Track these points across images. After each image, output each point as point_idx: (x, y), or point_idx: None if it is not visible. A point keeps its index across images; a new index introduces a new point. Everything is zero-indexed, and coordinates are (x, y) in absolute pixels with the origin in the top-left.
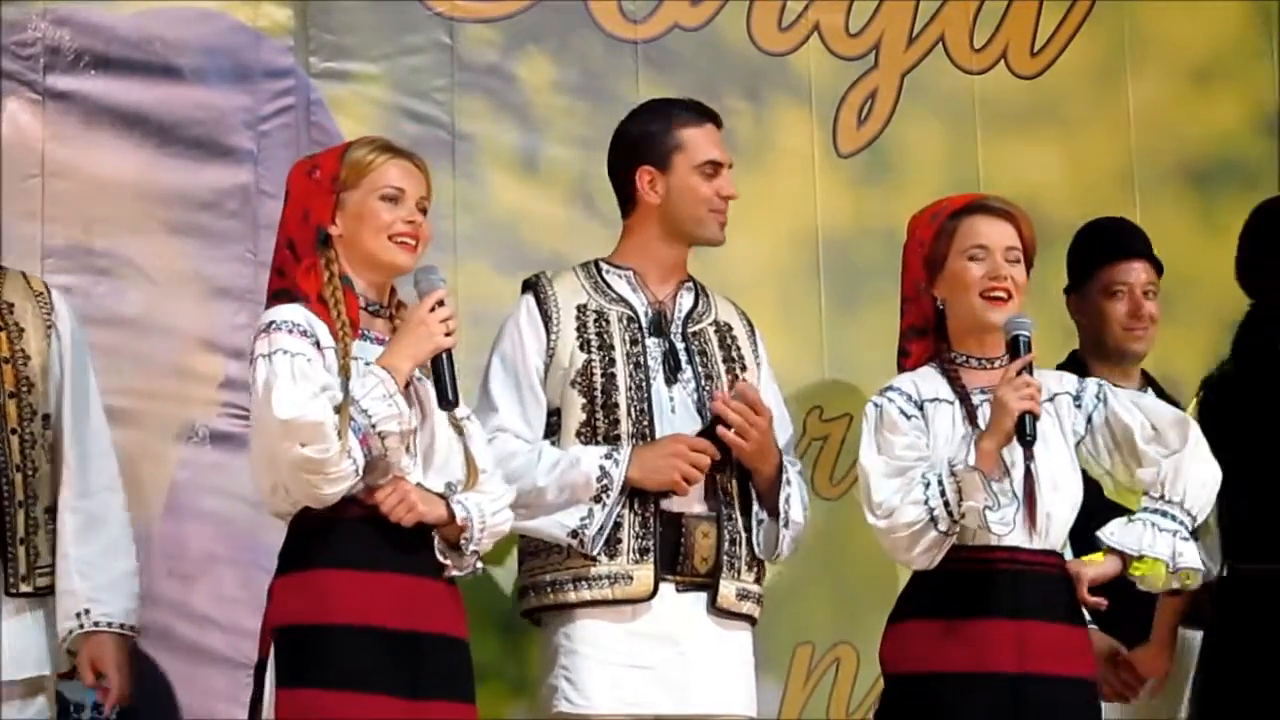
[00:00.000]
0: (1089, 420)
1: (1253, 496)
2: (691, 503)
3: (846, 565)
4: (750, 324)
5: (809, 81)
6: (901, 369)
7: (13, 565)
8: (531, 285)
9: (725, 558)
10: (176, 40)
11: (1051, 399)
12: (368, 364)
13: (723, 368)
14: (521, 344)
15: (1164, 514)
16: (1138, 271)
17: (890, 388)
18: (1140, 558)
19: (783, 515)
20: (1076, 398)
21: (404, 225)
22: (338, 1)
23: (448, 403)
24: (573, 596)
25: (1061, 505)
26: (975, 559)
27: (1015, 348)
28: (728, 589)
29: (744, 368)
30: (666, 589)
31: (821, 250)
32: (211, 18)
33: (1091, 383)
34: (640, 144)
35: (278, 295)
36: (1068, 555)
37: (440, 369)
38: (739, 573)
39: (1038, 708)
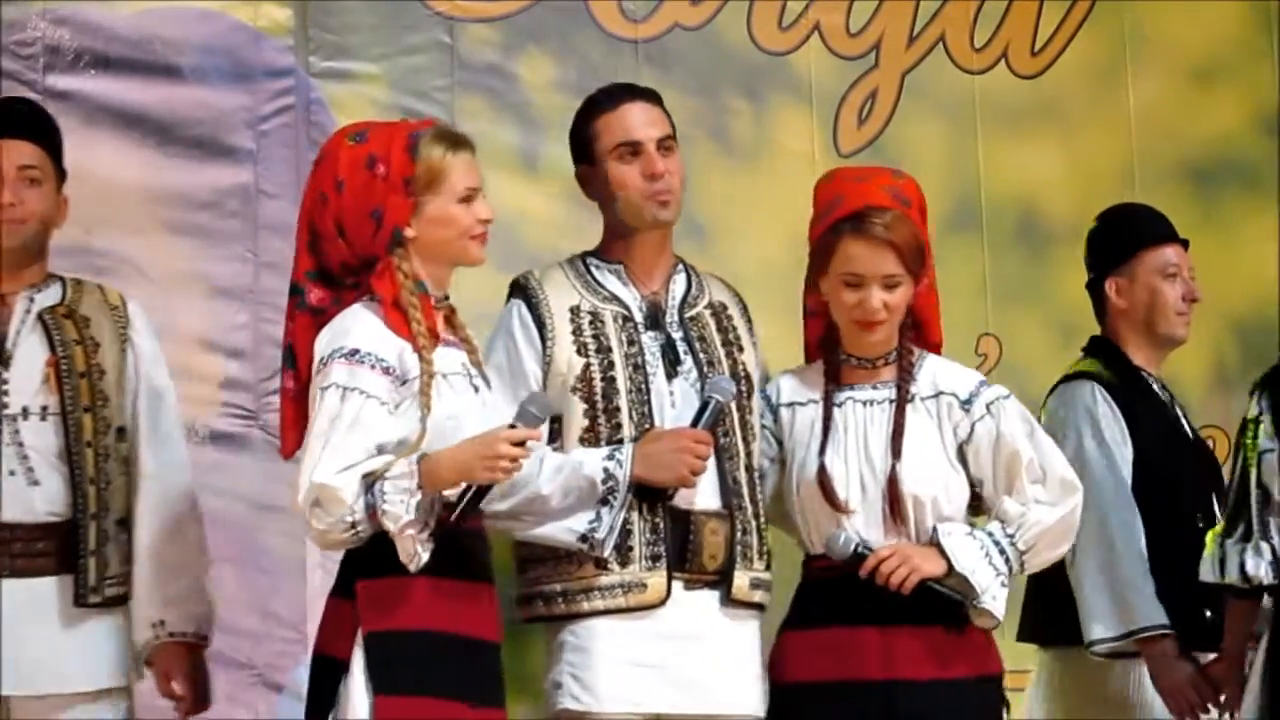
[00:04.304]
0: (972, 428)
1: None
2: (700, 497)
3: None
4: (742, 301)
5: (809, 81)
6: (807, 326)
7: (83, 577)
8: (521, 288)
9: (739, 548)
10: (176, 40)
11: (936, 395)
12: (445, 376)
13: (722, 352)
14: (517, 352)
15: (1002, 552)
16: (1183, 255)
17: (763, 391)
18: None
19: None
20: (965, 402)
21: (480, 226)
22: (338, 1)
23: (460, 517)
24: (585, 607)
25: (925, 506)
26: (835, 569)
27: (855, 562)
28: (741, 579)
29: (741, 348)
30: (675, 586)
31: None
32: (211, 17)
33: (989, 393)
34: (571, 144)
35: (314, 277)
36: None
37: (474, 490)
38: (751, 562)
39: (909, 715)
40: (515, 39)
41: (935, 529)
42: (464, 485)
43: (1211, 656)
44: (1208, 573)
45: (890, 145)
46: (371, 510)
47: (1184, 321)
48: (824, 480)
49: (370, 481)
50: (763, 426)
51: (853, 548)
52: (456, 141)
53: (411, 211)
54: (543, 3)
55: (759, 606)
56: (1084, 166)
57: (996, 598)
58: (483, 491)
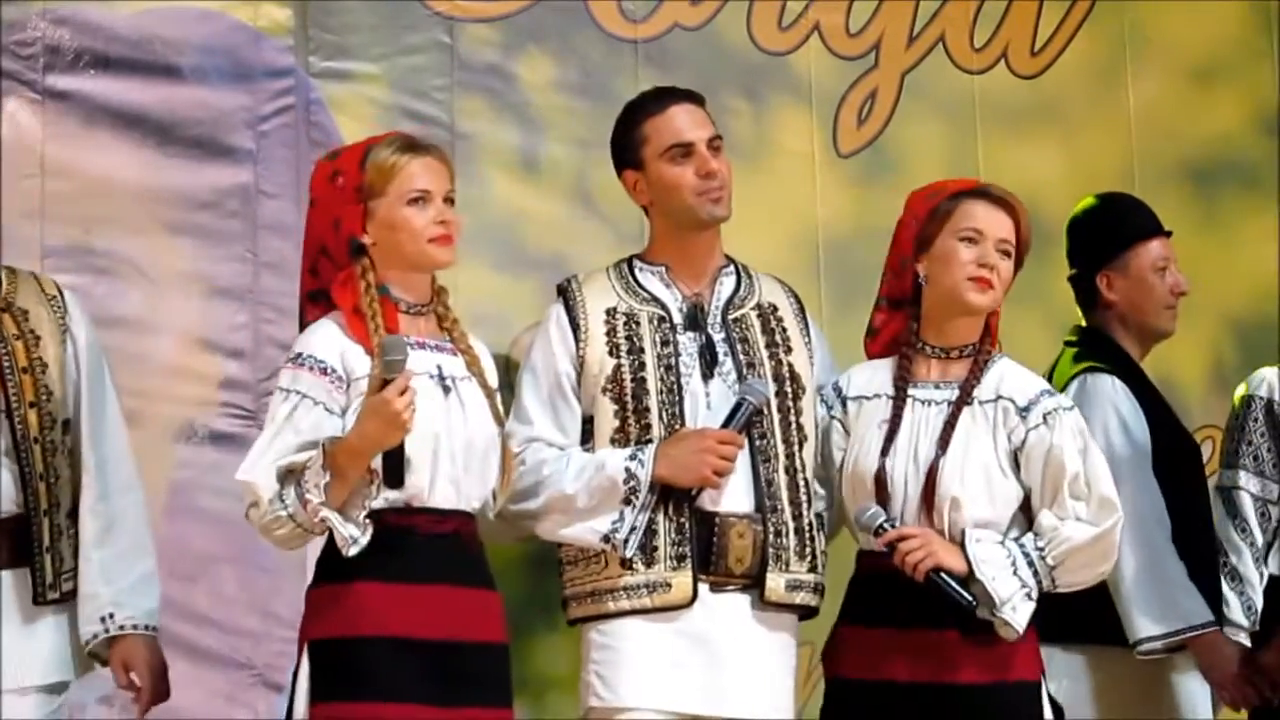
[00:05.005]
0: (1026, 436)
1: None
2: (729, 499)
3: (846, 566)
4: (799, 301)
5: (809, 81)
6: (867, 349)
7: (40, 574)
8: (562, 291)
9: (771, 550)
10: (176, 40)
11: (995, 400)
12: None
13: (765, 354)
14: (551, 353)
15: (1030, 564)
16: (1170, 247)
17: (834, 382)
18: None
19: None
20: (1023, 410)
21: (437, 228)
22: (338, 1)
23: (397, 482)
24: (611, 607)
25: (961, 509)
26: (881, 565)
27: (877, 535)
28: (775, 582)
29: (789, 349)
30: (702, 588)
31: (821, 250)
32: (211, 17)
33: (1049, 402)
34: (615, 149)
35: (314, 296)
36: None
37: (394, 451)
38: (787, 565)
39: (946, 719)
40: (515, 39)
41: (965, 532)
42: (382, 455)
43: None
44: None
45: (890, 145)
46: (304, 502)
47: (1172, 315)
48: (880, 479)
49: (298, 476)
50: (834, 418)
51: (879, 521)
52: (410, 146)
53: (364, 218)
54: (543, 3)
55: (804, 609)
56: (1084, 166)
57: (1017, 609)
58: (399, 454)
